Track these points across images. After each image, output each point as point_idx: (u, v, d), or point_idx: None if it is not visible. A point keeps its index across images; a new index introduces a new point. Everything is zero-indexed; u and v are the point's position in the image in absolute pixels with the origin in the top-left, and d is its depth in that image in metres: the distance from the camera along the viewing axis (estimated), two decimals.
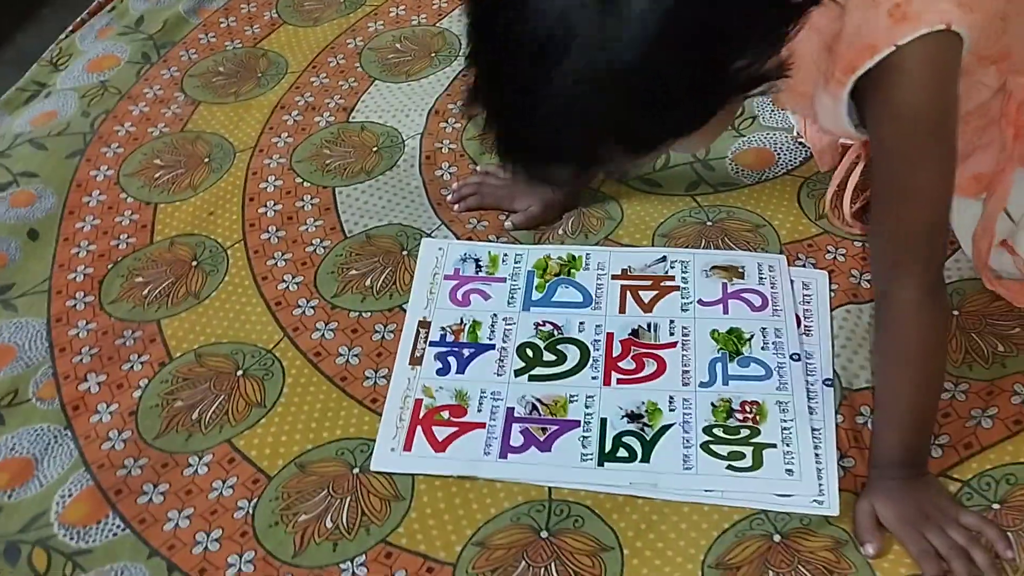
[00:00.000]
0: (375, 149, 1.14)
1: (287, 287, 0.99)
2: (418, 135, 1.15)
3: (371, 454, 0.84)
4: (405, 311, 0.95)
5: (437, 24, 1.32)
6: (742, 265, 0.95)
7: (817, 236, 0.98)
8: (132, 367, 0.93)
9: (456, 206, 1.05)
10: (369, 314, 0.95)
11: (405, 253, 1.01)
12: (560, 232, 1.02)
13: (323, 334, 0.94)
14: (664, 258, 0.97)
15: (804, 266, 0.95)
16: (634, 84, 0.54)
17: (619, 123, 0.57)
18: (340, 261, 1.01)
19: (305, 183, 1.10)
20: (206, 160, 1.15)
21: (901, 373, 0.74)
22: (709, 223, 1.01)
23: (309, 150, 1.14)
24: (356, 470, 0.83)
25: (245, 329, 0.95)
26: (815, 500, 0.77)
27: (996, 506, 0.76)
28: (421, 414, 0.86)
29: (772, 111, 1.11)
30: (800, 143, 1.07)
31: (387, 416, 0.86)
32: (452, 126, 1.16)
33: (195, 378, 0.91)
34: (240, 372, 0.92)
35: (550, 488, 0.80)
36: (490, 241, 1.01)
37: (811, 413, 0.82)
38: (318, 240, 1.03)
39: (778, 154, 1.07)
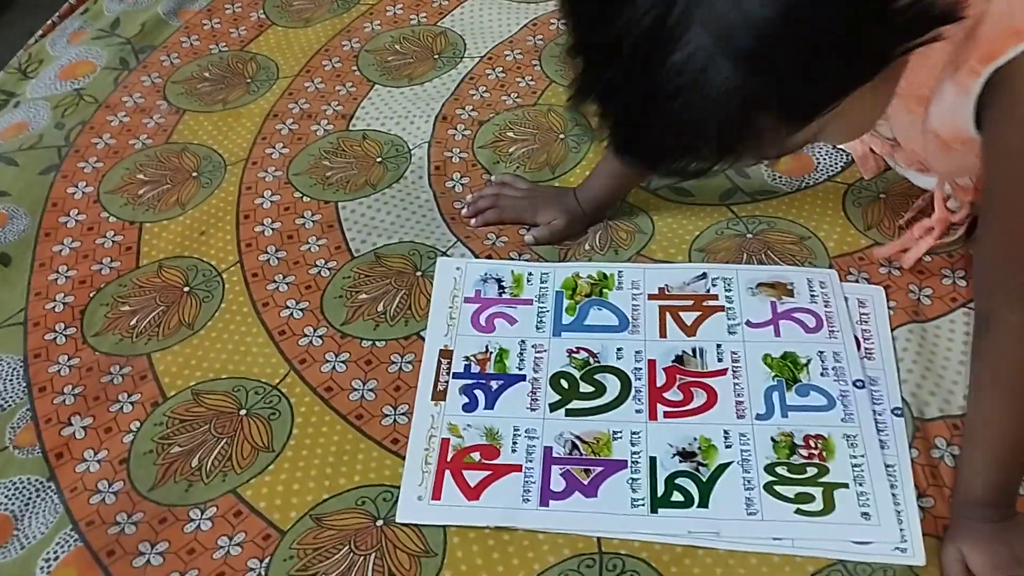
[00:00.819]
0: (379, 160, 1.05)
1: (291, 314, 0.90)
2: (425, 144, 1.06)
3: (396, 503, 0.75)
4: (423, 339, 0.86)
5: (438, 23, 1.23)
6: (791, 282, 0.87)
7: (868, 248, 0.90)
8: (122, 408, 0.83)
9: (472, 221, 0.97)
10: (383, 343, 0.87)
11: (419, 274, 0.92)
12: (587, 247, 0.94)
13: (334, 366, 0.85)
14: (704, 275, 0.89)
15: (857, 281, 0.88)
16: (779, 30, 0.46)
17: (766, 83, 0.48)
18: (348, 284, 0.92)
19: (305, 198, 1.01)
20: (194, 174, 1.05)
21: (1001, 404, 0.67)
22: (749, 235, 0.93)
23: (307, 162, 1.05)
24: (380, 522, 0.74)
25: (246, 362, 0.86)
26: (898, 548, 0.69)
27: None
28: (449, 456, 0.77)
29: None
30: (840, 148, 1.00)
31: (411, 459, 0.77)
32: (462, 133, 1.07)
33: (193, 419, 0.82)
34: (243, 411, 0.82)
35: (599, 539, 0.72)
36: (512, 259, 0.93)
37: (883, 447, 0.75)
38: (323, 261, 0.94)
39: (817, 159, 1.00)
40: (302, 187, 1.02)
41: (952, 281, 0.87)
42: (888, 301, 0.85)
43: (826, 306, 0.85)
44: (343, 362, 0.85)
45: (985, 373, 0.68)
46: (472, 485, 0.75)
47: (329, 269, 0.93)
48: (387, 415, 0.81)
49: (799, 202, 0.96)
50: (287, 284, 0.92)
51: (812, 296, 0.86)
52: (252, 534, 0.74)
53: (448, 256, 0.93)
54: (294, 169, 1.05)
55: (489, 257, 0.93)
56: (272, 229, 0.98)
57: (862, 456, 0.74)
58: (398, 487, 0.76)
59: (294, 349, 0.87)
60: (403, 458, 0.78)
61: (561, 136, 1.06)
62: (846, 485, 0.73)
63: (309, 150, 1.07)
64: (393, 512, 0.74)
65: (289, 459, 0.79)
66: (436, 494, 0.75)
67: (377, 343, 0.87)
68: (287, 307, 0.90)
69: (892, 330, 0.83)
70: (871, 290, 0.87)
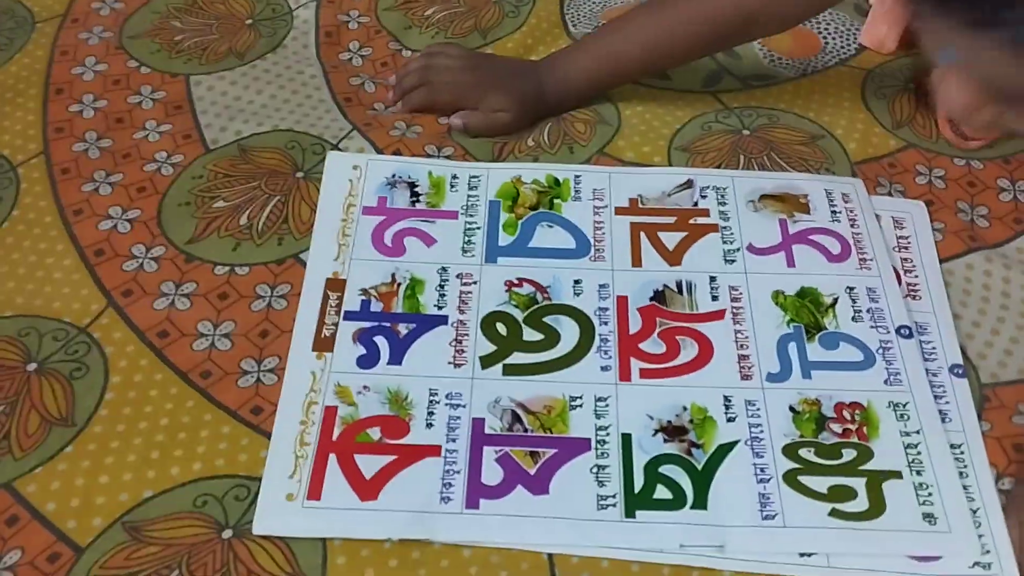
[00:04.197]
0: (249, 22, 0.79)
1: (114, 226, 0.64)
2: (312, 3, 0.81)
3: (254, 504, 0.51)
4: (304, 264, 0.62)
5: None
6: (804, 193, 0.66)
7: (900, 151, 0.69)
8: None
9: (397, 105, 0.71)
10: (247, 269, 0.62)
11: (301, 175, 0.67)
12: (530, 142, 0.70)
13: (172, 301, 0.60)
14: (690, 182, 0.66)
15: (890, 194, 0.66)
16: None
17: None
18: (200, 186, 0.66)
19: (143, 68, 0.75)
20: None
21: None
22: (746, 132, 0.70)
23: (149, 21, 0.79)
24: (228, 532, 0.50)
25: (44, 294, 0.60)
26: (978, 563, 0.49)
27: None
28: (336, 433, 0.54)
29: None
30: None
31: (279, 438, 0.54)
32: None
33: None
34: (32, 366, 0.57)
35: (550, 555, 0.50)
36: (429, 156, 0.68)
37: (944, 420, 0.54)
38: (164, 154, 0.68)
39: (825, 38, 0.78)
40: (140, 54, 0.76)
41: (1012, 196, 0.66)
42: (933, 223, 0.64)
43: (852, 226, 0.64)
44: (186, 296, 0.60)
45: None
46: (368, 477, 0.52)
47: (173, 165, 0.67)
48: (247, 372, 0.57)
49: (806, 91, 0.74)
50: (111, 184, 0.66)
51: (834, 212, 0.64)
52: (32, 553, 0.50)
53: (341, 151, 0.68)
54: (130, 30, 0.78)
55: (398, 153, 0.68)
56: (94, 109, 0.71)
57: (917, 432, 0.54)
58: (259, 479, 0.52)
59: (115, 276, 0.61)
60: (268, 436, 0.54)
61: None
62: (899, 474, 0.52)
63: (152, 6, 0.80)
64: (250, 518, 0.51)
65: (96, 438, 0.54)
66: (315, 491, 0.51)
67: (237, 270, 0.62)
68: (109, 217, 0.64)
69: (943, 262, 0.62)
70: (909, 206, 0.65)
